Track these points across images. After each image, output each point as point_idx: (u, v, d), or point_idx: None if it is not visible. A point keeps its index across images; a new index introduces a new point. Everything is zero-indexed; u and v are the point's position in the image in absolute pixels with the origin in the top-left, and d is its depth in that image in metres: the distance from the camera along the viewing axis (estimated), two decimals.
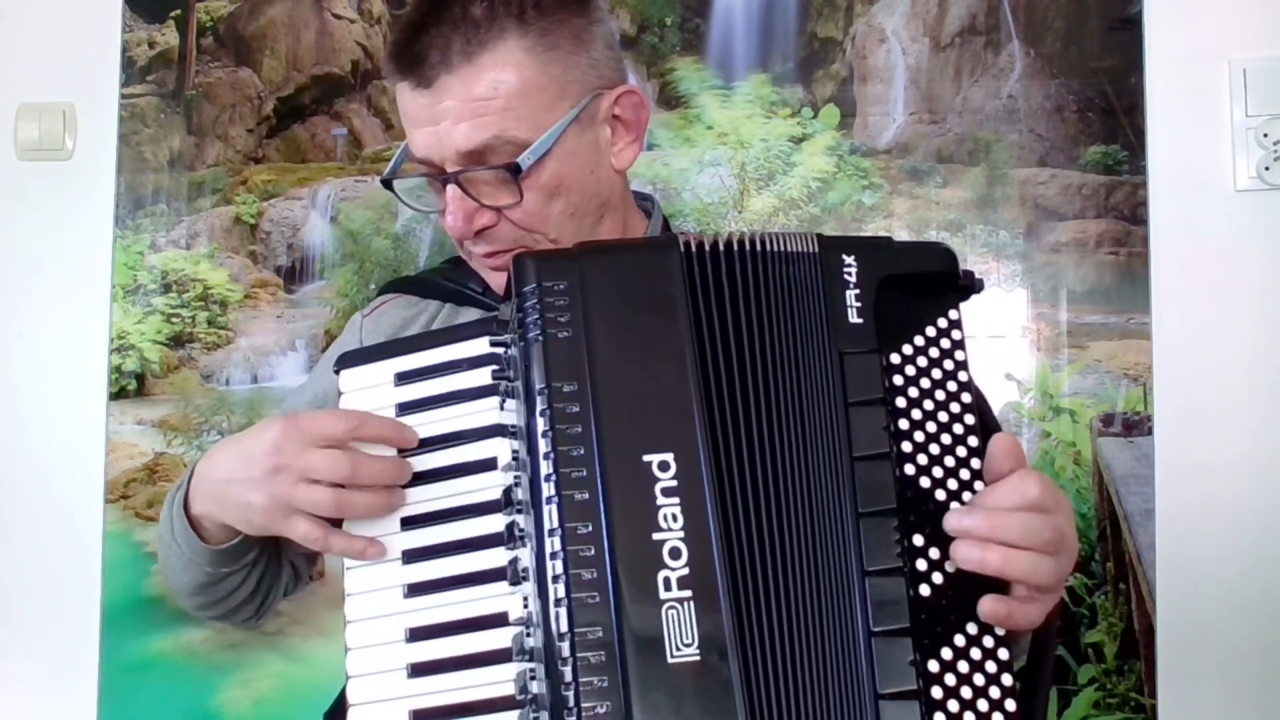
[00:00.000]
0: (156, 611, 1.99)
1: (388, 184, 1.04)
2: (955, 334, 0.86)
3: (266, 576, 1.06)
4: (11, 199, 2.08)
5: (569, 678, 0.76)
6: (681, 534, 0.78)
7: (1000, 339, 1.86)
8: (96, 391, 2.05)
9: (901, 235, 1.92)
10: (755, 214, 1.95)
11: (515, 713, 0.79)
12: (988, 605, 0.79)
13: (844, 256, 0.86)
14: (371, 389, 0.90)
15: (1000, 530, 0.79)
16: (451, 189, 0.97)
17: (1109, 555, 1.81)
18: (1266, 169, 1.80)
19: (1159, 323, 1.84)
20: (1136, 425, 1.83)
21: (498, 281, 1.04)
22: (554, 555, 0.78)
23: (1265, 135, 1.80)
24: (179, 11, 2.11)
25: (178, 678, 1.98)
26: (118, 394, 2.05)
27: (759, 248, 0.86)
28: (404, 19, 0.99)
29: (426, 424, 0.88)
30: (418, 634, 0.84)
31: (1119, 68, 1.88)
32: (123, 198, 2.07)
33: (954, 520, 0.79)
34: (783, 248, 0.86)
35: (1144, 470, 1.81)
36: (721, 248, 0.86)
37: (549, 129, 0.96)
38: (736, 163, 1.96)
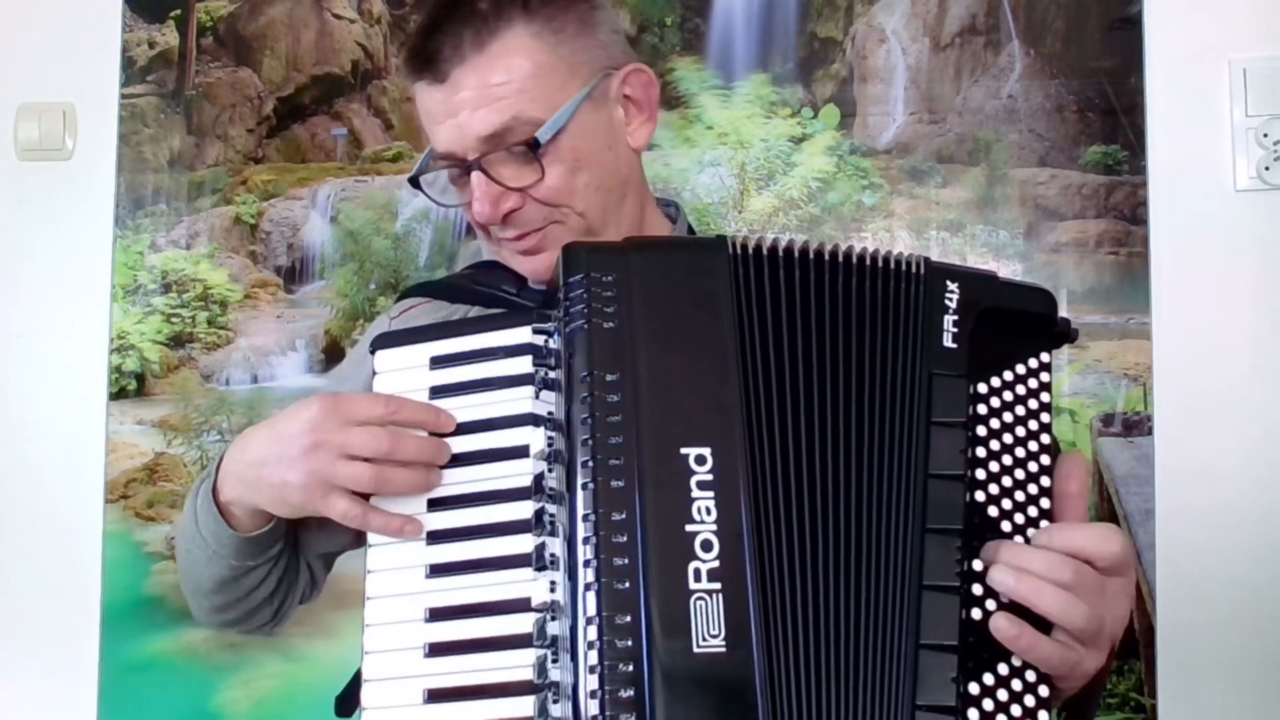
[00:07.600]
0: (156, 611, 1.99)
1: (415, 182, 1.06)
2: (1044, 376, 0.88)
3: (287, 575, 1.07)
4: (11, 199, 2.08)
5: (594, 661, 0.76)
6: (714, 527, 0.79)
7: None
8: (96, 391, 2.05)
9: (901, 235, 1.92)
10: (755, 214, 1.95)
11: (531, 697, 0.79)
12: (1000, 621, 0.78)
13: (948, 282, 0.87)
14: (406, 371, 0.91)
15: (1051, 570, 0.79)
16: (476, 175, 0.99)
17: None
18: (1266, 169, 1.80)
19: (1159, 323, 1.84)
20: (1136, 425, 1.83)
21: (528, 268, 1.06)
22: (586, 540, 0.79)
23: (1265, 135, 1.80)
24: (179, 11, 2.11)
25: (178, 678, 1.98)
26: (118, 394, 2.05)
27: (824, 257, 0.87)
28: (417, 25, 1.03)
29: (459, 409, 0.88)
30: (438, 614, 0.84)
31: (1119, 68, 1.88)
32: (123, 198, 2.07)
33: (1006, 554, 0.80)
34: (861, 261, 0.88)
35: (1144, 470, 1.81)
36: (781, 253, 0.87)
37: (563, 106, 0.99)
38: (736, 163, 1.96)
